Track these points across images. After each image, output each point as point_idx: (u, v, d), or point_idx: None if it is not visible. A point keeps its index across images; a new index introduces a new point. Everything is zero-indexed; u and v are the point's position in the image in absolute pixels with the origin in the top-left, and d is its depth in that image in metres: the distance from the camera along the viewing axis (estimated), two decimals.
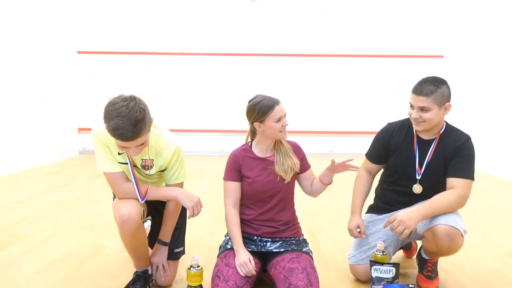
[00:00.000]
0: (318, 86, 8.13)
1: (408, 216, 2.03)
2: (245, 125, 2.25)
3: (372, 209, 2.54)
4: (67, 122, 7.60)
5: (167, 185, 2.28)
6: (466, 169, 2.17)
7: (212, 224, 3.49)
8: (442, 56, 7.93)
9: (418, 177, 2.29)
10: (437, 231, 2.09)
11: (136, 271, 2.28)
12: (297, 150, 2.28)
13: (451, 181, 2.17)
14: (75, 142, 7.91)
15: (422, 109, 2.16)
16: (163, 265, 2.31)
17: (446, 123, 2.32)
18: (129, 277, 2.32)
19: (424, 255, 2.34)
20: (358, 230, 2.38)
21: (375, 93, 8.02)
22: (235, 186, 2.20)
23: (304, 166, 2.28)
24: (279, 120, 2.10)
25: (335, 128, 8.13)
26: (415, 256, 2.63)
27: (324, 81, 8.13)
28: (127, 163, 2.12)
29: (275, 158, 2.19)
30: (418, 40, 8.00)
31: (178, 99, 8.10)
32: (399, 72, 7.91)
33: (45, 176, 5.67)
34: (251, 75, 8.06)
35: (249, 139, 2.29)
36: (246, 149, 2.24)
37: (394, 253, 2.44)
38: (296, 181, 2.30)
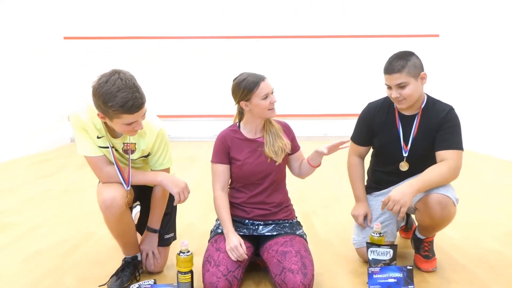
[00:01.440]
0: (312, 68, 7.98)
1: (401, 194, 1.96)
2: None
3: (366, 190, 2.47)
4: (56, 110, 7.43)
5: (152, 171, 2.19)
6: (454, 140, 2.10)
7: (203, 209, 3.41)
8: (438, 35, 7.81)
9: (405, 155, 2.23)
10: (429, 200, 2.05)
11: (125, 258, 2.20)
12: (287, 130, 2.20)
13: (441, 154, 2.10)
14: (65, 130, 7.74)
15: (400, 86, 2.09)
16: (153, 252, 2.23)
17: (427, 96, 2.24)
18: (118, 264, 2.22)
19: (419, 235, 2.28)
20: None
21: (371, 74, 7.86)
22: (223, 168, 2.12)
23: (294, 147, 2.19)
24: (266, 97, 2.00)
25: (330, 111, 8.02)
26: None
27: (318, 64, 7.98)
28: (107, 147, 2.03)
29: (265, 139, 2.10)
30: (413, 19, 7.86)
31: (170, 84, 7.93)
32: (394, 52, 7.78)
33: (35, 165, 5.55)
34: (243, 58, 7.88)
35: (237, 120, 2.19)
36: (234, 130, 2.15)
37: (398, 230, 2.40)
38: None
